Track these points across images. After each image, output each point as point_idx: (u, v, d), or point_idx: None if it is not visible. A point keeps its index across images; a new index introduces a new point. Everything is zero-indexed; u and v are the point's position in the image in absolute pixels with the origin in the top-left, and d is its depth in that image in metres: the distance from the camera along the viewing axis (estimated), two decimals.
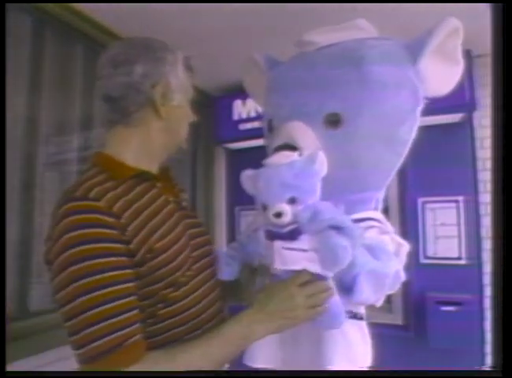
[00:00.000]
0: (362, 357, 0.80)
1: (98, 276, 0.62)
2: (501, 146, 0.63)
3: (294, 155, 0.75)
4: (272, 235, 0.75)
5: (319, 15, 1.77)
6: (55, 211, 0.68)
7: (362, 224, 0.77)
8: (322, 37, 0.84)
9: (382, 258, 0.73)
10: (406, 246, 0.81)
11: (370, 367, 0.82)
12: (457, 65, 0.77)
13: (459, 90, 2.31)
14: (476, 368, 1.84)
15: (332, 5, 1.67)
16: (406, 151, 0.83)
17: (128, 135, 0.79)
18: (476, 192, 2.09)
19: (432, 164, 2.10)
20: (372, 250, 0.73)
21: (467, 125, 2.14)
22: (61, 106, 1.72)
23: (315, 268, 0.71)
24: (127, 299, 0.64)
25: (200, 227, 0.88)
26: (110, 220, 0.66)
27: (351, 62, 0.75)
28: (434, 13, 1.73)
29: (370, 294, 0.71)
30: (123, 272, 0.65)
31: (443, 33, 0.76)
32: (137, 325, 0.66)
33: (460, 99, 2.03)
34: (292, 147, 0.76)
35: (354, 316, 0.80)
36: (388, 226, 0.81)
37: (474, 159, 2.12)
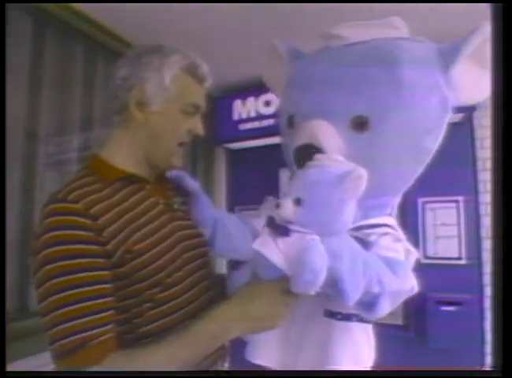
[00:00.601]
0: (367, 359, 0.80)
1: (69, 277, 0.64)
2: (501, 146, 0.63)
3: (339, 161, 0.71)
4: (268, 222, 0.75)
5: (321, 15, 1.78)
6: (40, 211, 0.70)
7: (378, 230, 0.75)
8: (352, 32, 0.78)
9: (400, 274, 0.70)
10: (414, 254, 0.79)
11: (370, 367, 0.82)
12: (487, 73, 0.68)
13: None
14: (477, 368, 1.84)
15: (341, 5, 1.67)
16: (428, 160, 0.80)
17: (120, 138, 0.81)
18: (476, 192, 2.09)
19: (432, 164, 2.10)
20: (391, 265, 0.70)
21: (467, 125, 2.14)
22: (61, 106, 1.72)
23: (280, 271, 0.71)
24: (98, 301, 0.65)
25: (193, 228, 0.87)
26: (87, 221, 0.67)
27: (383, 64, 0.71)
28: (432, 13, 1.74)
29: (388, 310, 0.70)
30: (96, 273, 0.66)
31: (478, 40, 0.70)
32: (107, 327, 0.66)
33: None
34: (315, 148, 0.72)
35: (361, 319, 0.79)
36: (401, 233, 0.79)
37: (474, 159, 2.12)
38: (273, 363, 0.80)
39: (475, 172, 2.11)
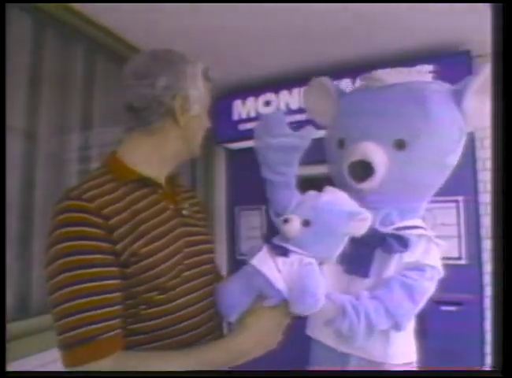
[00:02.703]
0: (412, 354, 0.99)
1: (82, 271, 0.66)
2: (501, 146, 0.63)
3: (348, 201, 0.83)
4: (266, 240, 0.82)
5: (318, 15, 1.78)
6: (53, 207, 0.72)
7: (414, 232, 0.92)
8: (387, 76, 1.03)
9: (418, 301, 0.90)
10: (442, 245, 0.97)
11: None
12: (487, 106, 0.84)
13: None
14: (476, 368, 1.84)
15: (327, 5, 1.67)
16: (449, 173, 1.01)
17: (142, 141, 0.83)
18: (476, 192, 2.09)
19: None
20: (411, 292, 0.88)
21: None
22: (61, 106, 1.72)
23: (277, 293, 0.76)
24: (105, 295, 0.67)
25: (201, 235, 0.89)
26: (99, 220, 0.70)
27: (416, 100, 0.94)
28: (432, 13, 1.74)
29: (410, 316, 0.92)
30: (107, 269, 0.69)
31: (480, 80, 0.91)
32: (114, 321, 0.68)
33: None
34: (366, 163, 0.91)
35: None
36: (430, 232, 0.96)
37: (474, 159, 2.12)
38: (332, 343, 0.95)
39: (475, 172, 2.10)
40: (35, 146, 1.59)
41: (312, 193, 0.85)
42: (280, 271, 0.75)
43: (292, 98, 2.39)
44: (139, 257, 0.73)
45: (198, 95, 0.84)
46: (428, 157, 0.96)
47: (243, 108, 2.56)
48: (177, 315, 0.78)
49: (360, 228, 0.78)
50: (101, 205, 0.71)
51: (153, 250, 0.75)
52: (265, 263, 0.77)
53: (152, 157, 0.83)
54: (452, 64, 2.05)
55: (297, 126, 0.87)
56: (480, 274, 2.05)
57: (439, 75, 2.07)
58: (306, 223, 0.76)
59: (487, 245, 2.07)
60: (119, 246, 0.71)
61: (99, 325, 0.66)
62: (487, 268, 2.04)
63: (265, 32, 1.92)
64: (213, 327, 0.85)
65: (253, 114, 2.52)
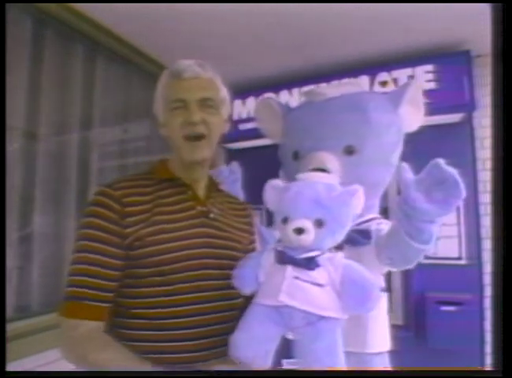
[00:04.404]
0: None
1: (88, 242, 0.79)
2: (501, 146, 0.63)
3: (335, 179, 0.76)
4: (285, 259, 0.69)
5: (319, 15, 1.78)
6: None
7: (374, 222, 1.02)
8: (329, 90, 1.14)
9: None
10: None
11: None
12: (421, 110, 1.07)
13: (459, 90, 2.30)
14: (477, 368, 1.84)
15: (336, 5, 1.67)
16: (393, 171, 1.09)
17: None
18: (476, 192, 2.09)
19: None
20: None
21: (467, 125, 2.14)
22: (61, 106, 1.72)
23: (328, 310, 0.65)
24: (101, 269, 0.78)
25: (226, 240, 0.89)
26: (116, 205, 0.80)
27: (358, 110, 1.05)
28: (432, 13, 1.74)
29: None
30: (107, 247, 0.79)
31: (412, 89, 1.05)
32: (104, 293, 0.78)
33: (460, 99, 2.03)
34: (322, 170, 0.93)
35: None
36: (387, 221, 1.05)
37: (474, 159, 2.12)
38: None
39: (475, 172, 2.10)
40: (35, 146, 1.59)
41: (279, 184, 0.77)
42: (322, 287, 0.65)
43: (292, 98, 2.40)
44: (144, 242, 0.80)
45: (160, 105, 0.89)
46: (375, 157, 1.07)
47: (242, 108, 2.56)
48: (169, 311, 0.80)
49: (361, 204, 0.71)
50: (124, 194, 0.82)
51: (158, 240, 0.80)
52: (298, 296, 0.65)
53: (175, 161, 0.91)
54: (452, 64, 2.05)
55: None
56: (480, 274, 2.05)
57: (439, 76, 2.09)
58: (320, 223, 0.66)
59: (487, 245, 2.06)
60: (128, 231, 0.80)
61: (90, 291, 0.77)
62: (487, 268, 2.04)
63: (265, 32, 1.92)
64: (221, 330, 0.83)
65: (253, 114, 2.52)
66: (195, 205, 0.88)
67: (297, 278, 0.66)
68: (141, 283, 0.81)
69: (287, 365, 0.78)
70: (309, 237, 0.66)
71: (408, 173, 0.73)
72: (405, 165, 0.76)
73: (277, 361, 0.73)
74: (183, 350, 0.80)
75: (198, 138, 0.85)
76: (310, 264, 0.66)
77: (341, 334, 0.66)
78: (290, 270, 0.67)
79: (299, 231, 0.66)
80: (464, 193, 0.68)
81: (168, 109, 0.86)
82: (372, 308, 0.65)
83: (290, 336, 0.69)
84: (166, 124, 0.88)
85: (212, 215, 0.90)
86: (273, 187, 0.78)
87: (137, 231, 0.80)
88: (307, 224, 0.66)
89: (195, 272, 0.82)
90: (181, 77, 0.85)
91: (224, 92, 0.93)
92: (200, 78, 0.87)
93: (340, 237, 0.71)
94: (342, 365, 0.64)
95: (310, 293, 0.65)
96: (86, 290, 0.77)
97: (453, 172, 0.68)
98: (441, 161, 0.69)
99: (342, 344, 0.66)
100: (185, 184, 0.90)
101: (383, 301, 0.96)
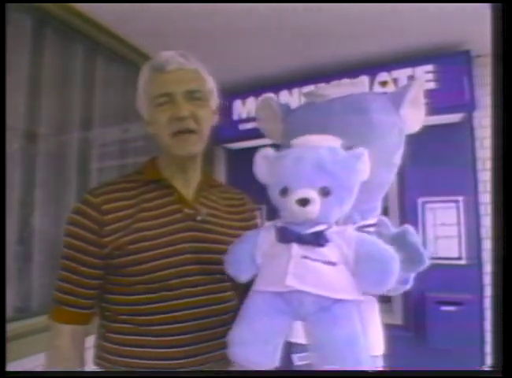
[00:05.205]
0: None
1: (67, 250, 0.80)
2: (501, 146, 0.63)
3: (337, 141, 0.67)
4: (289, 236, 0.60)
5: (318, 15, 1.78)
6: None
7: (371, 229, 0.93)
8: (332, 91, 1.08)
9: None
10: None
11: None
12: (422, 110, 1.06)
13: (459, 90, 2.31)
14: (477, 368, 1.84)
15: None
16: (396, 171, 1.08)
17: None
18: (476, 192, 2.09)
19: (432, 164, 2.10)
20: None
21: (467, 125, 2.14)
22: (61, 106, 1.72)
23: (343, 292, 0.57)
24: (79, 277, 0.79)
25: (217, 243, 0.84)
26: (94, 213, 0.79)
27: (360, 111, 1.03)
28: (432, 13, 1.74)
29: None
30: (84, 257, 0.79)
31: (415, 89, 1.02)
32: (83, 300, 0.80)
33: (460, 99, 2.03)
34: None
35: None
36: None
37: (474, 159, 2.12)
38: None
39: (475, 172, 2.10)
40: (35, 145, 1.59)
41: (271, 153, 0.68)
42: (334, 265, 0.56)
43: (292, 98, 2.40)
44: (125, 251, 0.77)
45: (141, 100, 0.86)
46: (378, 158, 1.04)
47: (242, 108, 2.56)
48: (169, 316, 0.78)
49: (367, 169, 0.65)
50: (105, 200, 0.79)
51: (140, 248, 0.78)
52: (309, 278, 0.57)
53: (167, 160, 0.86)
54: (452, 64, 2.05)
55: None
56: (480, 274, 2.05)
57: (439, 76, 2.08)
58: (326, 192, 0.58)
59: (487, 245, 2.06)
60: (106, 240, 0.78)
61: (68, 297, 0.79)
62: (487, 268, 2.04)
63: (265, 32, 1.92)
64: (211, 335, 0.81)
65: (253, 114, 2.52)
66: (182, 208, 0.83)
67: (305, 257, 0.57)
68: (127, 291, 0.79)
69: (298, 360, 0.65)
70: (315, 208, 0.57)
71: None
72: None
73: (286, 357, 0.65)
74: (172, 356, 0.77)
75: (188, 132, 0.80)
76: (319, 239, 0.58)
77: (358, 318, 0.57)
78: (296, 249, 0.58)
79: (304, 202, 0.57)
80: (426, 264, 0.67)
81: (153, 105, 0.81)
82: (392, 284, 0.56)
83: (299, 326, 0.61)
84: (152, 122, 0.83)
85: (199, 217, 0.84)
86: (265, 157, 0.68)
87: (117, 240, 0.77)
88: (312, 194, 0.57)
89: (181, 279, 0.79)
90: (164, 70, 0.81)
91: (211, 82, 0.87)
92: (184, 69, 0.82)
93: (347, 207, 0.63)
94: (366, 356, 0.56)
95: (322, 273, 0.57)
96: (67, 296, 0.79)
97: (417, 245, 0.66)
98: (409, 231, 0.68)
99: (362, 331, 0.57)
100: (171, 186, 0.85)
101: (374, 302, 0.92)
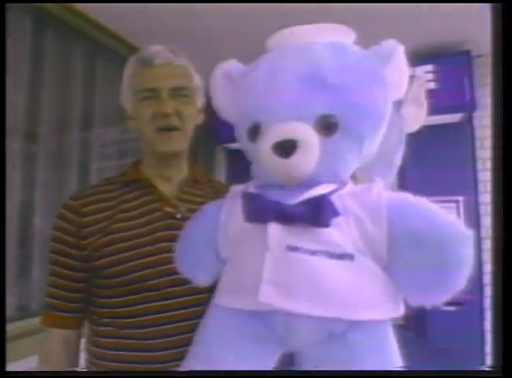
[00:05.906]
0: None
1: (51, 255, 0.82)
2: (501, 146, 0.63)
3: (350, 33, 0.39)
4: (263, 210, 0.36)
5: (317, 15, 1.77)
6: None
7: None
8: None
9: None
10: None
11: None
12: (423, 109, 1.04)
13: (459, 90, 2.31)
14: (477, 368, 1.84)
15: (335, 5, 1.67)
16: (396, 171, 1.08)
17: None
18: (476, 192, 2.09)
19: (432, 164, 2.10)
20: None
21: (467, 125, 2.14)
22: (61, 106, 1.72)
23: (368, 308, 0.34)
24: (63, 281, 0.80)
25: None
26: (74, 217, 0.79)
27: None
28: (432, 13, 1.74)
29: None
30: (66, 260, 0.80)
31: (416, 88, 1.01)
32: (69, 303, 0.80)
33: (460, 99, 2.03)
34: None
35: None
36: None
37: (474, 159, 2.12)
38: None
39: (475, 172, 2.10)
40: (35, 145, 1.59)
41: (235, 67, 0.43)
42: (352, 260, 0.34)
43: None
44: (103, 252, 0.77)
45: (124, 97, 0.84)
46: (379, 159, 1.06)
47: None
48: (148, 318, 0.75)
49: (404, 77, 0.35)
50: (84, 203, 0.80)
51: (117, 249, 0.77)
52: (293, 283, 0.33)
53: (148, 159, 0.86)
54: (452, 64, 2.05)
55: None
56: (480, 274, 2.05)
57: (439, 76, 2.08)
58: (328, 125, 0.35)
59: (487, 245, 2.06)
60: (85, 242, 0.78)
61: (56, 301, 0.80)
62: (487, 268, 2.04)
63: (265, 32, 1.92)
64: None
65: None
66: (162, 207, 0.81)
67: (293, 249, 0.33)
68: (107, 294, 0.78)
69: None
70: (307, 158, 0.33)
71: None
72: None
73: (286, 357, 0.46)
74: (154, 360, 0.74)
75: (172, 129, 0.79)
76: (320, 213, 0.33)
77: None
78: (276, 233, 0.34)
79: (285, 147, 0.33)
80: None
81: (137, 100, 0.79)
82: (464, 281, 0.34)
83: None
84: (135, 117, 0.81)
85: (179, 215, 0.80)
86: (226, 76, 0.41)
87: (95, 241, 0.77)
88: (301, 131, 0.33)
89: (161, 279, 0.76)
90: (151, 64, 0.78)
91: (198, 80, 0.85)
92: (172, 65, 0.80)
93: (374, 149, 0.37)
94: None
95: (325, 276, 0.33)
96: (54, 301, 0.81)
97: None
98: None
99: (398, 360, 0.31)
100: (152, 185, 0.82)
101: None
